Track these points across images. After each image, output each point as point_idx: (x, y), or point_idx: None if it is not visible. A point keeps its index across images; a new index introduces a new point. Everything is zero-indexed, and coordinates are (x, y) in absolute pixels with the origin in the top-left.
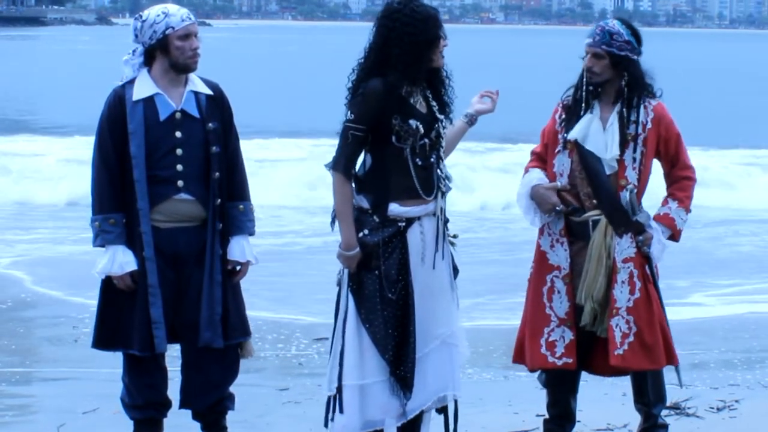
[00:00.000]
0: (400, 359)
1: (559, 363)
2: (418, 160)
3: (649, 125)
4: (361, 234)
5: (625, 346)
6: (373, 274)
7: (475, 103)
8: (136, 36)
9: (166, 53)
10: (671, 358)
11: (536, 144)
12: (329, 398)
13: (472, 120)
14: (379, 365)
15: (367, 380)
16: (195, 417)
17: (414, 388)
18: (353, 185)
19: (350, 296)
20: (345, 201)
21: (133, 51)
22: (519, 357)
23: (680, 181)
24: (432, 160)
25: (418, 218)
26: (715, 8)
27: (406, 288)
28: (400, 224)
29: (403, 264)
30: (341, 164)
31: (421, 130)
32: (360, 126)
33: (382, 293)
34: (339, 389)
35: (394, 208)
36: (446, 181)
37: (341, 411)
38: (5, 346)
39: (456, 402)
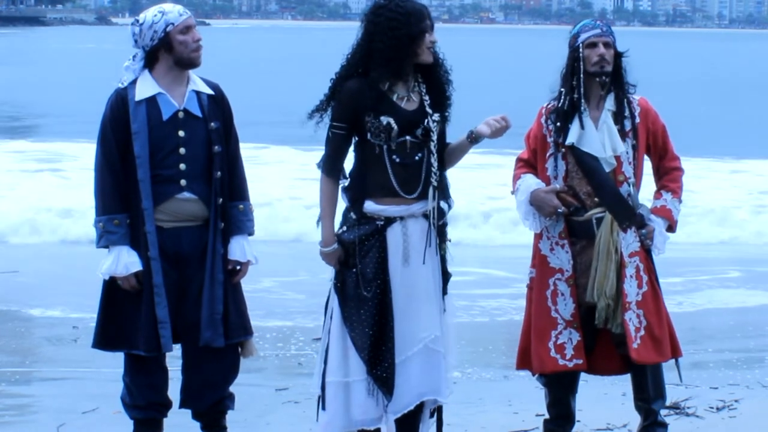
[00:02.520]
0: (377, 359)
1: (571, 365)
2: (395, 157)
3: (638, 119)
4: (339, 231)
5: (638, 340)
6: (352, 272)
7: (483, 123)
8: (136, 41)
9: (170, 50)
10: (675, 350)
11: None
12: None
13: (471, 138)
14: (360, 364)
15: (350, 378)
16: (195, 417)
17: (396, 390)
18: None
19: (335, 294)
20: (326, 198)
21: (134, 56)
22: (524, 363)
23: (670, 172)
24: (417, 158)
25: (401, 218)
26: (715, 8)
27: (384, 287)
28: (378, 223)
29: (381, 263)
30: (324, 162)
31: (394, 126)
32: (339, 124)
33: (358, 291)
34: (322, 386)
35: (370, 206)
36: (439, 180)
37: (323, 408)
38: (5, 346)
39: (440, 408)
